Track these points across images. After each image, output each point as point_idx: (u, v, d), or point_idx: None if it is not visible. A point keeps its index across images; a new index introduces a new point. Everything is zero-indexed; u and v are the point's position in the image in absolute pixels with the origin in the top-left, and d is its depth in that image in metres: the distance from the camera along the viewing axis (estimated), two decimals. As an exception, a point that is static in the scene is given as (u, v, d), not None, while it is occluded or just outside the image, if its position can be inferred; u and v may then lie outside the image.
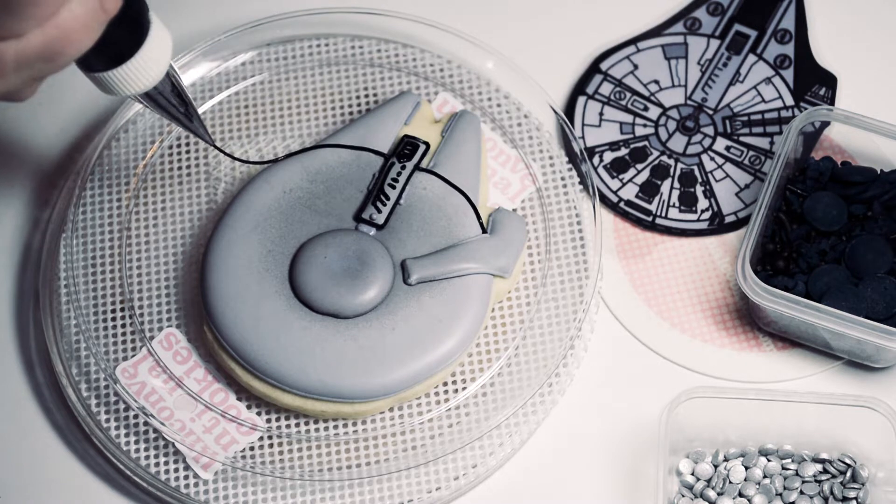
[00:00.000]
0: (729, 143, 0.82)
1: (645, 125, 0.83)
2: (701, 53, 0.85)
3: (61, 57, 0.58)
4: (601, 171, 0.82)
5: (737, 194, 0.81)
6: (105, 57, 0.62)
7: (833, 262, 0.76)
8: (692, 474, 0.74)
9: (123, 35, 0.62)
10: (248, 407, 0.75)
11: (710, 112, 0.83)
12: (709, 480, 0.73)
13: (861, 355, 0.76)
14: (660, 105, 0.84)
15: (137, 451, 0.74)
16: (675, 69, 0.84)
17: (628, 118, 0.83)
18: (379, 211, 0.76)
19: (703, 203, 0.81)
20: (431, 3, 0.86)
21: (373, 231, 0.76)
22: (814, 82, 0.84)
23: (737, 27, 0.85)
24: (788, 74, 0.84)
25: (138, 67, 0.63)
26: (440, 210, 0.76)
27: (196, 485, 0.74)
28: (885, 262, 0.76)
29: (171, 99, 0.68)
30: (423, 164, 0.78)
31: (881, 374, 0.77)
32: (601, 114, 0.84)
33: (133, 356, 0.76)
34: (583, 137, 0.83)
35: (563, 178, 0.80)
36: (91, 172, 0.80)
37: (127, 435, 0.75)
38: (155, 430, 0.74)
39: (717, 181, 0.82)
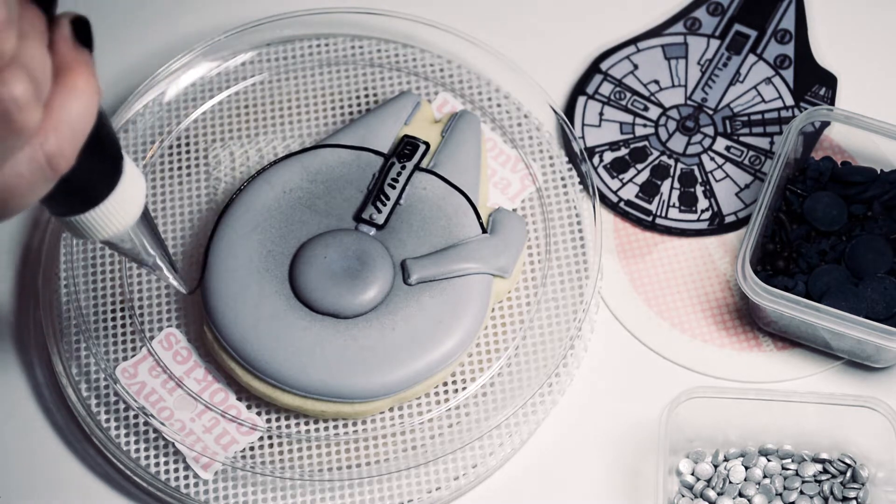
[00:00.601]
0: (729, 143, 0.82)
1: (645, 125, 0.83)
2: (701, 53, 0.85)
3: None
4: (601, 171, 0.82)
5: (737, 194, 0.81)
6: (68, 203, 0.58)
7: (833, 262, 0.76)
8: (692, 474, 0.74)
9: (86, 182, 0.57)
10: (248, 407, 0.75)
11: (710, 112, 0.83)
12: (709, 480, 0.73)
13: (861, 355, 0.76)
14: (660, 105, 0.83)
15: (137, 451, 0.74)
16: (675, 69, 0.84)
17: (628, 118, 0.83)
18: (379, 211, 0.76)
19: (703, 203, 0.81)
20: (431, 3, 0.86)
21: (373, 231, 0.76)
22: (814, 82, 0.84)
23: (737, 27, 0.85)
24: (788, 74, 0.84)
25: (105, 214, 0.58)
26: (440, 210, 0.76)
27: (196, 485, 0.74)
28: (885, 262, 0.76)
29: (144, 243, 0.63)
30: (423, 164, 0.78)
31: (881, 374, 0.77)
32: (601, 114, 0.84)
33: (133, 356, 0.76)
34: (583, 137, 0.83)
35: (563, 178, 0.80)
36: (91, 172, 0.80)
37: (127, 435, 0.75)
38: (155, 430, 0.74)
39: (717, 181, 0.82)
